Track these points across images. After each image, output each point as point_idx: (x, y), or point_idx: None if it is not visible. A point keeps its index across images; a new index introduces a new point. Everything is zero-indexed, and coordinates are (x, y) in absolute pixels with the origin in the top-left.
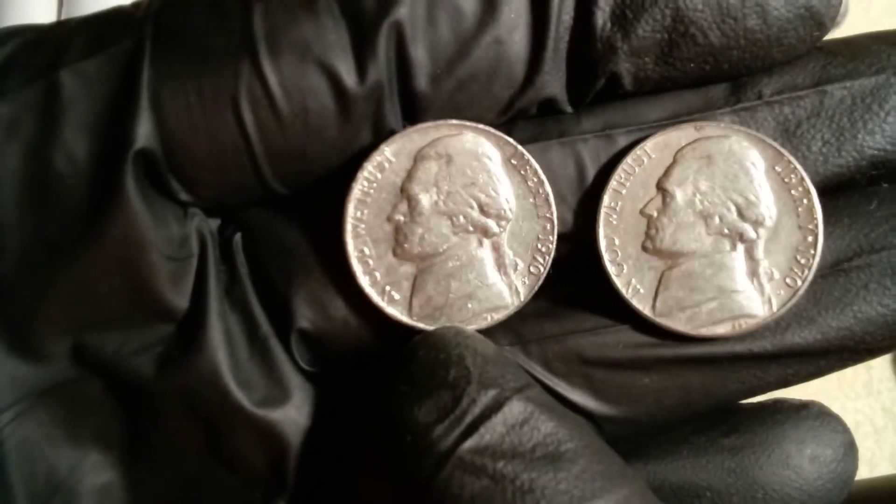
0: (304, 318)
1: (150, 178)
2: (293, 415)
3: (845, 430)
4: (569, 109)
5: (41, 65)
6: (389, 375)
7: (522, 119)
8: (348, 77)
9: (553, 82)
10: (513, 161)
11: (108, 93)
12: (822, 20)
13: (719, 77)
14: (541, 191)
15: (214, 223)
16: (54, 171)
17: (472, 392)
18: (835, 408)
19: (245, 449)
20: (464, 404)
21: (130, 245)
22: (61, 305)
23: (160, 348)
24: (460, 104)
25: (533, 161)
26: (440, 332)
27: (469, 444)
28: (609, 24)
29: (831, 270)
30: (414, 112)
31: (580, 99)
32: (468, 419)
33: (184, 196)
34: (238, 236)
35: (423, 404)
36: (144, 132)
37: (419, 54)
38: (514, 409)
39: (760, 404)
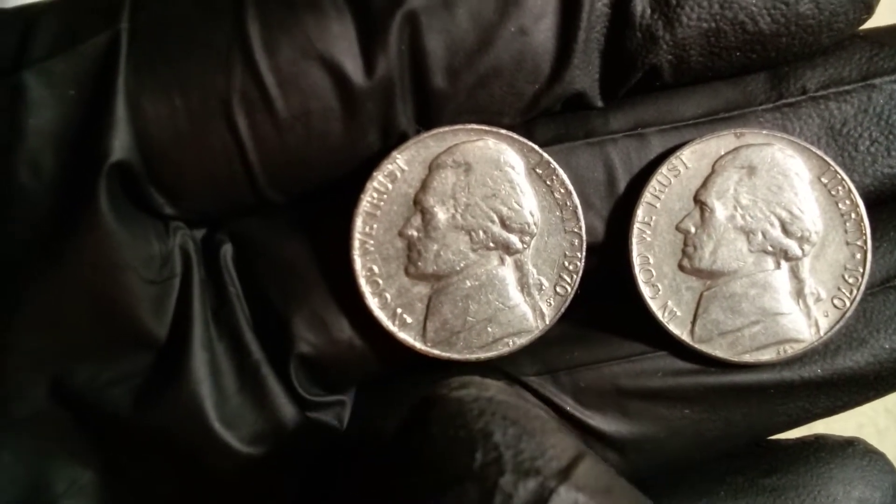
0: (305, 341)
1: (129, 191)
2: (287, 451)
3: (892, 469)
4: (598, 104)
5: (1, 62)
6: (392, 457)
7: (544, 116)
8: (355, 73)
9: (583, 77)
10: (537, 170)
11: (78, 97)
12: (871, 2)
13: (763, 65)
14: (568, 203)
15: (199, 233)
16: (17, 183)
17: (506, 485)
18: None
19: (234, 490)
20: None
21: (104, 269)
22: (28, 335)
23: (138, 380)
24: (479, 102)
25: (560, 170)
26: (456, 399)
27: None
28: (650, 12)
29: (881, 288)
30: (428, 112)
31: (611, 94)
32: None
33: (168, 210)
34: (227, 249)
35: None
36: (121, 143)
37: (435, 46)
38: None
39: (801, 441)
